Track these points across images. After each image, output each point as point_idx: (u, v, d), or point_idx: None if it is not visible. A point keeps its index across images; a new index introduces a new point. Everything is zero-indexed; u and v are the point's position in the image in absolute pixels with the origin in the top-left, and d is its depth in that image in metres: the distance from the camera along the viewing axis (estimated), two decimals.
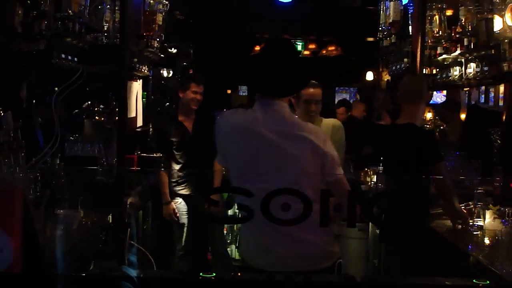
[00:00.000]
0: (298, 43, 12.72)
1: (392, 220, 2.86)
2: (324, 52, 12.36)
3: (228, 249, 5.89)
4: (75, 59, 4.46)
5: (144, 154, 5.97)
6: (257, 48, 12.38)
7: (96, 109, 5.26)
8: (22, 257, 1.93)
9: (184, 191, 5.35)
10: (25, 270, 1.95)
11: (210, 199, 1.90)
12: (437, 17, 5.64)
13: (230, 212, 5.54)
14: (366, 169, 6.05)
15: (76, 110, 5.13)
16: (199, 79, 5.36)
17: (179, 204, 5.37)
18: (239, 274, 2.80)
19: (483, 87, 7.00)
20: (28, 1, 3.48)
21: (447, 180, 3.99)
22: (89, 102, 5.26)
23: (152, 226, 5.73)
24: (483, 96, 7.29)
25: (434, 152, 3.97)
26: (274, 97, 2.97)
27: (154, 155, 6.00)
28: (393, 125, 4.66)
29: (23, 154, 3.57)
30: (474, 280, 2.16)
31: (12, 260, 1.91)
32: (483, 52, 4.89)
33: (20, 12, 3.44)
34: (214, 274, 2.29)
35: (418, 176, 3.72)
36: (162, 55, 6.54)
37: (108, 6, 4.97)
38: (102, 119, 5.24)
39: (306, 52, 12.64)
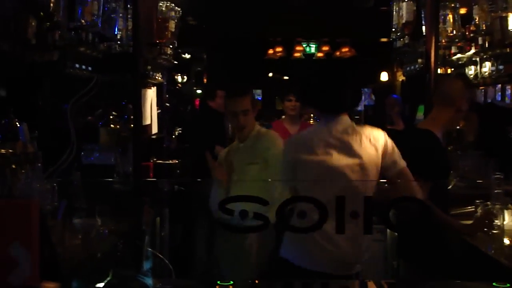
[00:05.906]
0: (312, 45, 12.67)
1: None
2: (337, 53, 12.30)
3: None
4: (89, 68, 4.48)
5: (160, 161, 5.99)
6: (271, 51, 12.36)
7: (111, 117, 5.27)
8: (40, 269, 1.94)
9: None
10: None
11: (225, 209, 1.90)
12: (450, 16, 5.59)
13: None
14: None
15: (90, 117, 5.13)
16: None
17: None
18: (256, 282, 2.79)
19: (499, 85, 6.92)
20: (41, 13, 3.50)
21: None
22: (102, 110, 5.25)
23: (170, 233, 5.72)
24: (499, 93, 7.21)
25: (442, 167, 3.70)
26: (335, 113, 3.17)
27: (170, 161, 6.02)
28: (410, 129, 4.48)
29: (39, 164, 3.58)
30: (494, 283, 2.14)
31: (30, 273, 1.91)
32: (498, 51, 4.85)
33: (33, 23, 3.46)
34: (232, 283, 2.29)
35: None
36: (175, 62, 6.55)
37: (121, 15, 4.98)
38: (118, 127, 5.24)
39: (320, 54, 12.57)
